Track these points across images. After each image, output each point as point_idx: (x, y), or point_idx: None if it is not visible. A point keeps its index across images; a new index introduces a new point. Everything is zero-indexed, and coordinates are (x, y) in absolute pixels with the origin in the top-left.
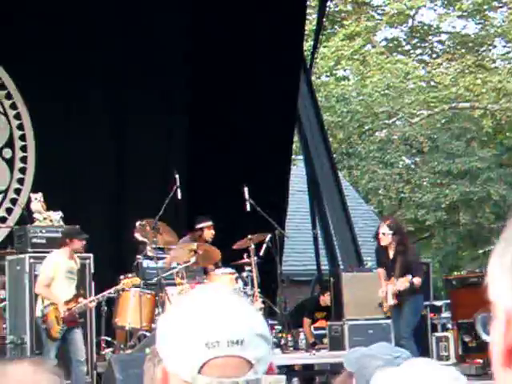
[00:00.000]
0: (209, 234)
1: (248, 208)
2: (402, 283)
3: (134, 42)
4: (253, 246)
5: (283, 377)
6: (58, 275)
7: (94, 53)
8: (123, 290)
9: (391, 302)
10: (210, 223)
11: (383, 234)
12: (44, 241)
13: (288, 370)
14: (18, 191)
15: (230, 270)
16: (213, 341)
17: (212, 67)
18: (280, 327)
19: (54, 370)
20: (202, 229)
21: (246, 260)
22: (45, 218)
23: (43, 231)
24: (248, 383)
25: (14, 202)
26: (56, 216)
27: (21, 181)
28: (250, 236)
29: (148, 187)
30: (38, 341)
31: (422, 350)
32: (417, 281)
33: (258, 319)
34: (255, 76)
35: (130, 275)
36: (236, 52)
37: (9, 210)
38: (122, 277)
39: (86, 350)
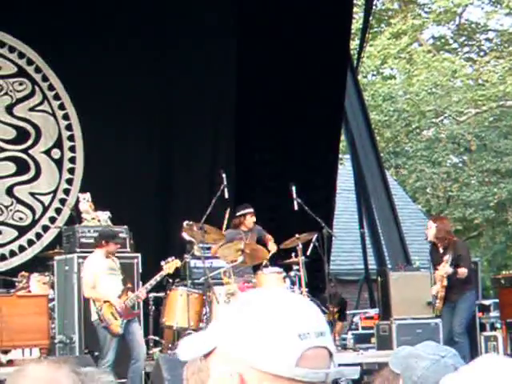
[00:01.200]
0: (250, 220)
1: (296, 207)
2: (443, 267)
3: (181, 41)
4: (300, 246)
5: (357, 368)
6: (100, 275)
7: (141, 53)
8: (168, 274)
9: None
10: (250, 210)
11: (428, 228)
12: (92, 241)
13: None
14: (66, 191)
15: (277, 269)
16: (304, 332)
17: (259, 67)
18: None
19: (73, 369)
20: (244, 215)
21: (293, 259)
22: (93, 218)
23: (91, 231)
24: (334, 374)
25: (63, 202)
26: (104, 216)
27: (70, 181)
28: (297, 235)
29: (195, 187)
30: (87, 340)
31: (471, 350)
32: (461, 271)
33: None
34: (302, 75)
35: (169, 259)
36: (283, 51)
37: (58, 211)
38: (162, 262)
39: None
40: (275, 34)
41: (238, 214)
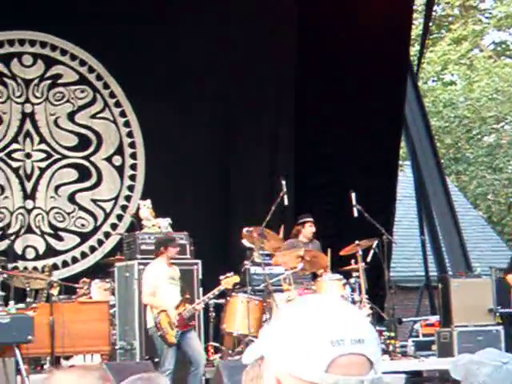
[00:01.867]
0: (308, 230)
1: (356, 214)
2: None
3: (244, 46)
4: (360, 252)
5: (403, 375)
6: (160, 283)
7: (199, 60)
8: (226, 289)
9: None
10: (309, 219)
11: None
12: (153, 247)
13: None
14: (128, 198)
15: (337, 276)
16: (337, 339)
17: (318, 73)
18: (388, 333)
19: (101, 376)
20: (303, 224)
21: (353, 266)
22: (153, 225)
23: (151, 238)
24: (372, 382)
25: (124, 208)
26: (164, 223)
27: (131, 188)
28: (357, 242)
29: (255, 194)
30: (148, 346)
31: None
32: None
33: (369, 324)
34: (362, 81)
35: (229, 274)
36: (343, 58)
37: (119, 217)
38: (222, 277)
39: None
40: (333, 39)
41: (298, 222)
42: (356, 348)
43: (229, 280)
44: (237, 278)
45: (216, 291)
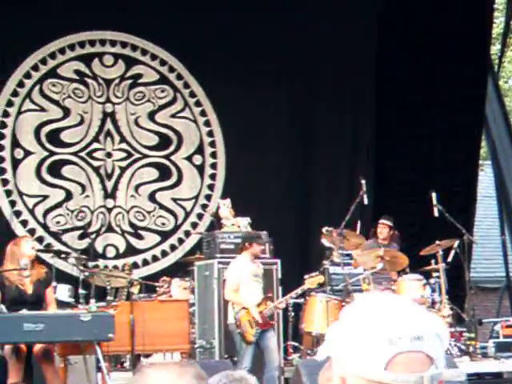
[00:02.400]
0: (383, 231)
1: (436, 213)
2: None
3: (323, 46)
4: (441, 252)
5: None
6: (244, 280)
7: (280, 59)
8: (309, 289)
9: None
10: (387, 222)
11: None
12: (232, 246)
13: (477, 378)
14: (208, 197)
15: (417, 276)
16: (396, 337)
17: (398, 70)
18: (468, 334)
19: (198, 374)
20: (379, 225)
21: (433, 266)
22: (233, 224)
23: (231, 237)
24: (432, 378)
25: (204, 207)
26: (244, 222)
27: (211, 187)
28: (437, 242)
29: (334, 193)
30: (227, 345)
31: None
32: None
33: (435, 319)
34: (442, 81)
35: (313, 274)
36: (423, 57)
37: (200, 216)
38: (306, 276)
39: None
40: (415, 37)
41: (380, 221)
42: (414, 345)
43: (313, 280)
44: (321, 278)
45: (299, 290)
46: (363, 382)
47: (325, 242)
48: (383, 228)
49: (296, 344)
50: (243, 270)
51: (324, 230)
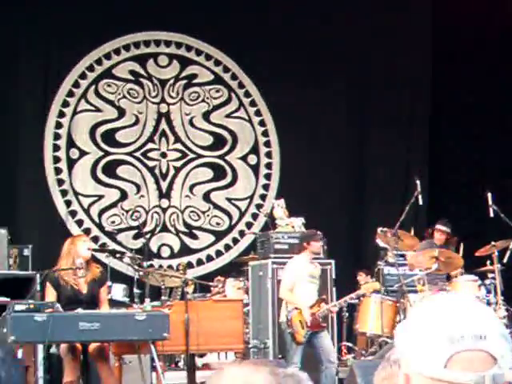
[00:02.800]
0: (439, 238)
1: (491, 214)
2: None
3: (376, 45)
4: (496, 253)
5: None
6: (299, 279)
7: (335, 58)
8: (364, 295)
9: None
10: (444, 229)
11: None
12: (286, 246)
13: None
14: (263, 197)
15: (472, 277)
16: (457, 336)
17: (453, 72)
18: None
19: (273, 371)
20: (437, 230)
21: (489, 267)
22: (287, 224)
23: (285, 237)
24: (494, 378)
25: (259, 207)
26: (298, 222)
27: (266, 187)
28: (493, 243)
29: (390, 193)
30: (281, 345)
31: None
32: None
33: (499, 321)
34: (498, 81)
35: (370, 280)
36: (478, 57)
37: (254, 216)
38: (362, 282)
39: None
40: (471, 41)
41: (437, 226)
42: (476, 344)
43: (369, 286)
44: (377, 285)
45: (354, 295)
46: (426, 381)
47: (379, 242)
48: (441, 234)
49: (350, 345)
50: (300, 270)
51: (379, 230)
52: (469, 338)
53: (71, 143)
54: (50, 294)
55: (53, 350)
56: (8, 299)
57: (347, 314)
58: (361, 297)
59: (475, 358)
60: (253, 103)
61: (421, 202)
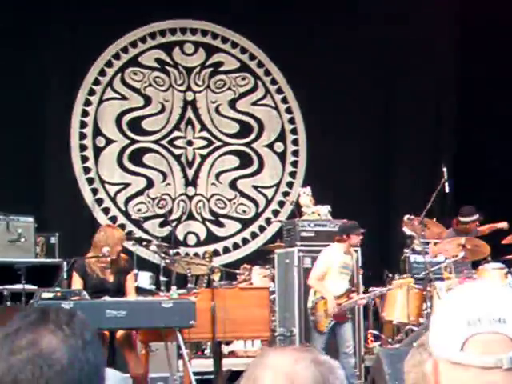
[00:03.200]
0: (470, 226)
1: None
2: None
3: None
4: None
5: None
6: (331, 269)
7: (361, 48)
8: (391, 279)
9: None
10: (474, 218)
11: None
12: (312, 234)
13: None
14: (289, 185)
15: (499, 264)
16: (474, 318)
17: (480, 54)
18: None
19: (315, 359)
20: (468, 223)
21: None
22: (313, 212)
23: (311, 225)
24: None
25: (286, 195)
26: (324, 210)
27: (293, 174)
28: None
29: (415, 181)
30: (307, 333)
31: None
32: None
33: None
34: None
35: (404, 276)
36: (506, 49)
37: (281, 204)
38: (396, 277)
39: (354, 344)
40: (498, 34)
41: (460, 219)
42: (495, 327)
43: (401, 282)
44: (411, 281)
45: (385, 290)
46: (449, 366)
47: (406, 230)
48: (466, 224)
49: (377, 332)
50: (333, 261)
51: (405, 217)
52: (487, 320)
53: (97, 131)
54: (77, 283)
55: None
56: (35, 287)
57: (373, 302)
58: (387, 281)
59: (493, 341)
60: (279, 90)
61: (447, 190)
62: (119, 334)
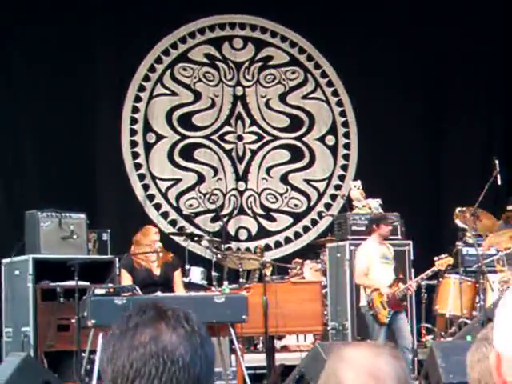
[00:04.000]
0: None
1: None
2: None
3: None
4: None
5: None
6: (373, 262)
7: (408, 31)
8: (440, 270)
9: None
10: None
11: None
12: (363, 228)
13: None
14: (341, 178)
15: None
16: None
17: None
18: None
19: (393, 354)
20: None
21: None
22: (364, 206)
23: (362, 218)
24: None
25: (338, 188)
26: (375, 203)
27: (344, 167)
28: None
29: (468, 173)
30: (359, 327)
31: None
32: None
33: None
34: None
35: (443, 255)
36: None
37: (333, 197)
38: (436, 258)
39: None
40: None
41: (508, 208)
42: None
43: (442, 262)
44: (451, 260)
45: (430, 272)
46: (507, 359)
47: (458, 222)
48: None
49: (429, 326)
50: (372, 253)
51: (457, 210)
52: None
53: (148, 127)
54: (126, 279)
55: None
56: (88, 283)
57: (426, 295)
58: (438, 275)
59: None
60: (330, 84)
61: (499, 182)
62: None
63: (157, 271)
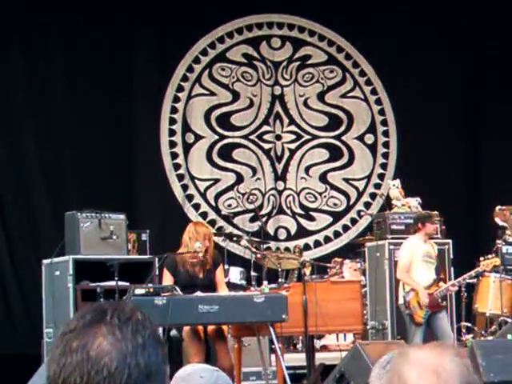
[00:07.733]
0: None
1: None
2: None
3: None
4: None
5: None
6: (415, 260)
7: (448, 30)
8: (484, 271)
9: None
10: None
11: None
12: (403, 227)
13: None
14: (381, 176)
15: None
16: None
17: None
18: None
19: (458, 353)
20: None
21: None
22: (403, 205)
23: (402, 217)
24: None
25: (377, 187)
26: (414, 202)
27: (384, 166)
28: None
29: (507, 170)
30: (399, 326)
31: None
32: None
33: None
34: None
35: (489, 256)
36: None
37: (372, 196)
38: (481, 258)
39: None
40: None
41: None
42: None
43: (489, 262)
44: (497, 261)
45: (473, 273)
46: None
47: (498, 220)
48: None
49: (469, 325)
50: (415, 251)
51: (497, 208)
52: None
53: (187, 128)
54: (167, 279)
55: (173, 333)
56: (127, 283)
57: (466, 294)
58: (480, 275)
59: None
60: (368, 82)
61: None
62: (211, 327)
63: (200, 273)
